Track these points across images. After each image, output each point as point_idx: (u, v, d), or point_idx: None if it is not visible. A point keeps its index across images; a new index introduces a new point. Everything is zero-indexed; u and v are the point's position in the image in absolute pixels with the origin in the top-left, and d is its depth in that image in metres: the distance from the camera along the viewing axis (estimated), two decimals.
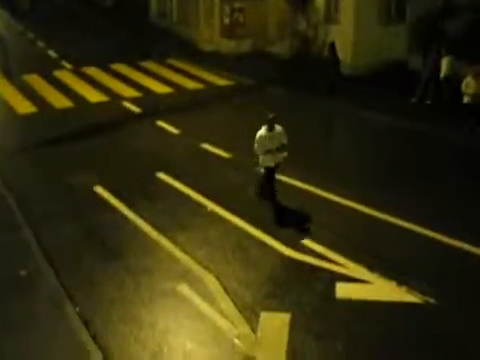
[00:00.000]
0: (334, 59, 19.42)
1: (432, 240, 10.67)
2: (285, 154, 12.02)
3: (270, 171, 12.06)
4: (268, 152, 11.80)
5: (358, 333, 8.36)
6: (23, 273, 9.83)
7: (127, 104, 19.87)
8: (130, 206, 12.32)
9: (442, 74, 17.78)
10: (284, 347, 8.06)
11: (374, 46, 21.13)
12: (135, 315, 8.86)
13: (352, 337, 8.27)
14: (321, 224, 11.37)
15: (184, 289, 9.43)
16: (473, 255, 10.15)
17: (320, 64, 20.11)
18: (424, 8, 20.30)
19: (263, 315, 8.73)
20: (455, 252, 10.29)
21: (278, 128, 11.91)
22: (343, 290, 9.28)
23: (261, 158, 12.00)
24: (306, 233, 11.05)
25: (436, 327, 8.46)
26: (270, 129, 11.77)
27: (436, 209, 11.85)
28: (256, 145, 11.90)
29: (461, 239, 10.53)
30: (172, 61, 25.89)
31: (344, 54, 21.24)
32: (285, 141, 11.95)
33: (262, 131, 11.82)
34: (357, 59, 21.59)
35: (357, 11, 21.49)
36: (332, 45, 19.58)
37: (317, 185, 12.85)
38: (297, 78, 21.75)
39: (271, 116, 11.77)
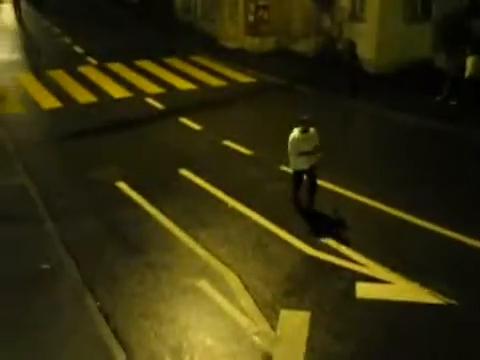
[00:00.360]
0: (354, 59, 19.29)
1: (456, 241, 10.56)
2: (319, 155, 11.58)
3: (300, 173, 11.75)
4: (302, 154, 11.41)
5: (378, 333, 8.32)
6: (46, 267, 9.94)
7: (150, 100, 19.94)
8: (152, 202, 12.38)
9: (467, 73, 17.63)
10: (303, 345, 8.06)
11: (399, 44, 20.96)
12: (155, 310, 8.91)
13: (372, 337, 8.24)
14: (344, 223, 11.35)
15: (204, 285, 9.46)
16: None
17: (344, 62, 19.97)
18: (450, 6, 20.12)
19: (283, 313, 8.73)
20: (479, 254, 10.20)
21: (311, 129, 11.54)
22: (364, 290, 9.24)
23: (294, 160, 11.61)
24: (328, 232, 11.01)
25: (458, 329, 8.40)
26: (304, 130, 11.41)
27: (461, 210, 11.73)
28: (289, 147, 11.51)
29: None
30: (196, 58, 25.92)
31: (369, 52, 21.16)
32: (318, 142, 11.56)
33: (295, 133, 11.45)
34: (382, 57, 21.45)
35: (382, 9, 21.33)
36: (351, 44, 19.47)
37: (340, 185, 12.79)
38: (321, 76, 21.65)
39: (305, 117, 11.46)
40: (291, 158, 11.66)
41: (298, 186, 11.93)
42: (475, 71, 17.49)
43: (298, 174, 11.80)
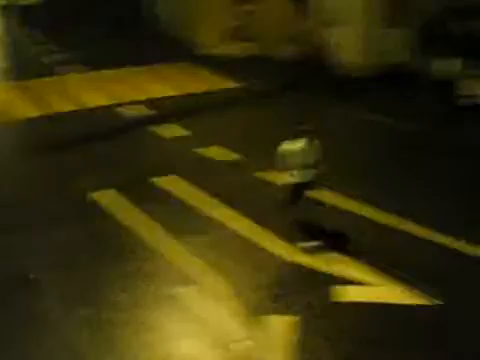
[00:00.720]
0: (336, 63, 19.32)
1: (444, 245, 10.52)
2: (321, 169, 11.01)
3: (299, 186, 11.08)
4: (302, 167, 10.85)
5: (366, 336, 8.24)
6: (31, 276, 9.83)
7: (132, 108, 19.79)
8: (133, 209, 12.24)
9: (449, 76, 17.72)
10: (293, 350, 7.95)
11: (381, 47, 21.09)
12: (139, 319, 8.75)
13: (360, 340, 8.16)
14: (330, 228, 11.21)
15: (189, 293, 9.34)
16: None
17: (325, 67, 20.02)
18: (433, 9, 20.24)
19: (270, 318, 8.62)
20: (469, 258, 10.11)
21: (315, 141, 10.91)
22: (352, 293, 9.18)
23: (293, 173, 10.97)
24: (315, 237, 10.87)
25: (445, 328, 8.35)
26: (306, 142, 10.79)
27: (450, 214, 11.64)
28: (289, 159, 10.91)
29: (476, 243, 10.35)
30: (178, 65, 25.88)
31: (351, 56, 21.24)
32: (321, 155, 10.97)
33: (296, 144, 10.86)
34: (364, 61, 21.54)
35: (364, 12, 21.46)
36: (332, 48, 19.45)
37: (328, 189, 12.53)
38: (305, 81, 21.71)
39: (302, 127, 10.96)
40: (290, 170, 11.04)
41: (296, 198, 11.26)
42: (456, 74, 17.58)
43: (296, 187, 11.15)
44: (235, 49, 26.40)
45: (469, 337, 8.17)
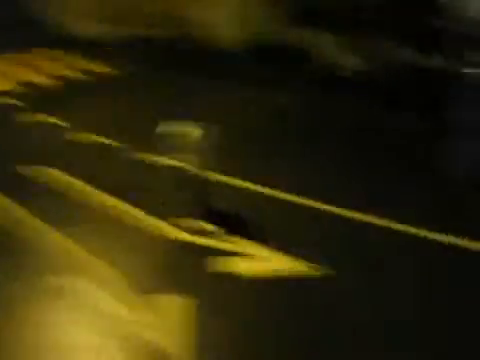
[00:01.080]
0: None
1: (331, 214, 10.79)
2: (208, 151, 10.86)
3: (187, 171, 11.03)
4: (189, 151, 10.63)
5: (261, 310, 8.34)
6: None
7: (5, 99, 18.92)
8: (13, 202, 11.60)
9: (322, 49, 18.16)
10: (188, 330, 7.89)
11: (252, 21, 21.22)
12: (26, 315, 8.31)
13: (256, 315, 8.24)
14: (217, 207, 11.18)
15: (78, 282, 8.98)
16: (374, 227, 10.33)
17: (197, 44, 19.96)
18: None
19: (163, 300, 8.52)
20: (356, 226, 10.44)
21: (201, 124, 10.71)
22: (243, 268, 9.25)
23: (179, 157, 10.89)
24: (203, 216, 10.83)
25: (337, 297, 8.56)
26: (190, 125, 10.66)
27: (338, 185, 11.96)
28: (171, 142, 10.68)
29: (361, 211, 10.70)
30: (47, 50, 24.93)
31: (222, 31, 21.24)
32: (210, 139, 10.76)
33: (181, 127, 10.69)
34: (235, 35, 21.59)
35: None
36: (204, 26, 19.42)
37: (218, 171, 12.37)
38: (180, 61, 21.54)
39: (178, 109, 10.77)
40: (176, 154, 10.95)
41: (186, 182, 11.14)
42: (328, 46, 18.05)
43: (186, 171, 11.04)
44: (104, 31, 25.75)
45: (359, 309, 8.31)
